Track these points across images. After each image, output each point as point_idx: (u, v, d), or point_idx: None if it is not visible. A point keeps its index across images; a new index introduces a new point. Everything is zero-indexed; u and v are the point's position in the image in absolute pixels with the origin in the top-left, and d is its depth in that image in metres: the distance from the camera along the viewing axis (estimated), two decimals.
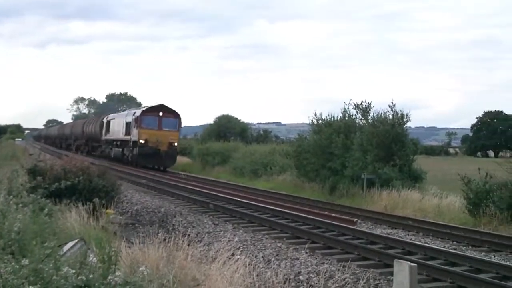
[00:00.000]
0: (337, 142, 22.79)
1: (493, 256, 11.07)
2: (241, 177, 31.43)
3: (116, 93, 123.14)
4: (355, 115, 24.16)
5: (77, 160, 15.50)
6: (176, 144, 34.45)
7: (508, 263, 10.08)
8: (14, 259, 4.38)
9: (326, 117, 25.28)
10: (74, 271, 4.09)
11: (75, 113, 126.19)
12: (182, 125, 39.24)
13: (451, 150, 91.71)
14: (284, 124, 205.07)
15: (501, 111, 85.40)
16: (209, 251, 8.80)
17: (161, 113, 34.36)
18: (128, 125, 36.13)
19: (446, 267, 9.35)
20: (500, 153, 77.53)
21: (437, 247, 11.27)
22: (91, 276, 4.05)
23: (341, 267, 9.19)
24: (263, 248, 10.92)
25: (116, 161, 37.37)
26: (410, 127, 23.70)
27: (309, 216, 14.82)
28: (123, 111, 57.20)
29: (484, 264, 9.66)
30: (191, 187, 22.45)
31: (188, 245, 7.71)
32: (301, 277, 8.86)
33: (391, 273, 7.40)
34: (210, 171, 35.80)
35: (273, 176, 28.84)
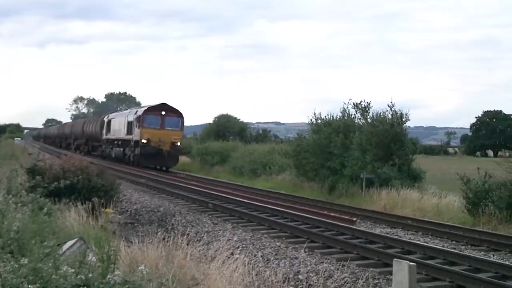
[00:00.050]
0: (336, 142, 22.79)
1: (492, 256, 11.07)
2: (240, 176, 31.42)
3: (115, 93, 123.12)
4: (354, 114, 24.20)
5: (76, 159, 15.48)
6: (179, 144, 33.96)
7: (507, 263, 10.08)
8: (13, 258, 4.38)
9: (325, 116, 25.32)
10: (73, 270, 4.08)
11: (74, 112, 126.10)
12: None
13: (450, 150, 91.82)
14: (283, 124, 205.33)
15: (500, 111, 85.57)
16: (208, 250, 8.79)
17: (163, 112, 33.75)
18: (129, 124, 35.56)
19: (445, 266, 9.35)
20: (499, 153, 77.66)
21: (436, 247, 11.28)
22: (90, 275, 4.05)
23: (340, 266, 9.19)
24: (262, 248, 10.92)
25: (117, 161, 37.08)
26: (409, 126, 23.68)
27: (308, 216, 14.82)
28: (123, 110, 57.03)
29: (483, 263, 9.66)
30: (190, 187, 22.44)
31: (187, 244, 7.70)
32: (300, 276, 8.86)
33: (390, 273, 7.40)
34: (209, 171, 35.73)
35: (272, 175, 28.83)
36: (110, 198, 13.60)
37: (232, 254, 7.94)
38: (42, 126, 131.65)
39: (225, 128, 50.16)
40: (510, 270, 9.18)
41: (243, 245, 11.05)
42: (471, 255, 10.58)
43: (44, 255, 4.22)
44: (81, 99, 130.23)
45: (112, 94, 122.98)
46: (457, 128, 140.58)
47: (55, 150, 54.99)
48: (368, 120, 23.25)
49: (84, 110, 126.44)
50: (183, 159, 41.64)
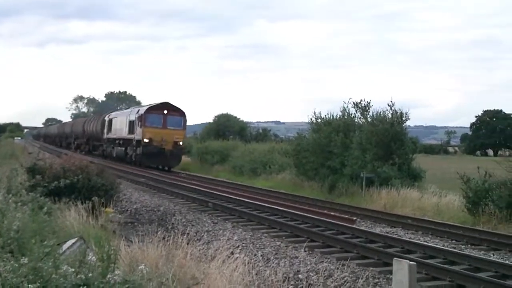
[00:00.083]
0: (336, 141, 22.78)
1: (492, 255, 11.08)
2: (240, 175, 31.41)
3: (115, 92, 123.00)
4: (355, 114, 24.20)
5: (76, 158, 15.48)
6: (181, 143, 33.64)
7: (507, 262, 10.08)
8: (13, 257, 4.37)
9: (325, 115, 25.32)
10: (73, 269, 4.08)
11: (74, 111, 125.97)
12: None
13: (450, 149, 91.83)
14: (283, 123, 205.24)
15: (500, 110, 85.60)
16: (208, 249, 8.79)
17: (166, 111, 33.34)
18: (131, 123, 35.20)
19: (445, 265, 9.35)
20: (499, 152, 77.72)
21: (436, 246, 11.28)
22: (90, 274, 4.05)
23: (340, 265, 9.19)
24: (262, 247, 10.92)
25: (118, 160, 36.88)
26: (409, 125, 23.69)
27: (308, 215, 14.82)
28: (123, 109, 56.85)
29: (483, 262, 9.67)
30: (190, 186, 22.44)
31: (187, 243, 7.70)
32: (300, 276, 8.86)
33: (390, 272, 7.40)
34: (209, 170, 35.69)
35: (272, 174, 28.83)
36: (110, 197, 13.60)
37: (232, 253, 7.95)
38: (42, 126, 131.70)
39: (225, 127, 50.11)
40: (510, 270, 9.18)
41: (243, 245, 11.06)
42: (471, 254, 10.58)
43: (44, 255, 4.22)
44: (81, 98, 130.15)
45: (112, 93, 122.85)
46: (457, 127, 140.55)
47: (55, 149, 54.95)
48: (368, 119, 23.26)
49: (84, 110, 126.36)
50: (183, 158, 41.64)
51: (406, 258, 7.98)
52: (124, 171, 28.63)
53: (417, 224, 14.52)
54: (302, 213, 15.15)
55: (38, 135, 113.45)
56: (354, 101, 23.88)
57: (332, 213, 15.53)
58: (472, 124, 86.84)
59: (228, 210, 15.89)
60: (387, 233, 13.06)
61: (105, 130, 42.23)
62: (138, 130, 33.50)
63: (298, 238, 11.93)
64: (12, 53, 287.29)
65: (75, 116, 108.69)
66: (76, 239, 6.94)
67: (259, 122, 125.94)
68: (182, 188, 21.70)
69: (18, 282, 3.72)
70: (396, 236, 12.42)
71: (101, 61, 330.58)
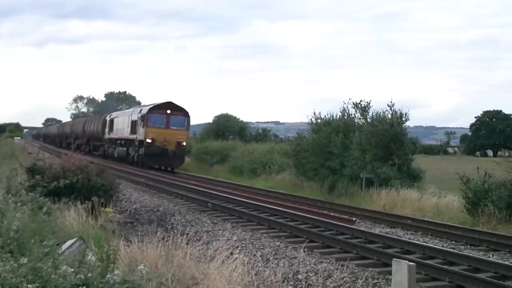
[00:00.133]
0: (336, 141, 22.79)
1: (491, 255, 11.08)
2: (240, 176, 31.41)
3: (115, 92, 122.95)
4: (354, 114, 24.22)
5: (76, 158, 15.48)
6: (184, 143, 33.06)
7: (506, 262, 10.09)
8: (12, 257, 4.37)
9: (325, 116, 25.34)
10: (72, 269, 4.08)
11: (74, 111, 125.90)
12: None
13: (450, 150, 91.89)
14: (283, 123, 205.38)
15: (500, 111, 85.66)
16: (208, 250, 8.78)
17: (168, 111, 32.79)
18: (133, 123, 34.67)
19: (444, 266, 9.36)
20: (499, 153, 77.73)
21: (436, 246, 11.28)
22: (89, 274, 4.04)
23: (340, 266, 9.17)
24: (262, 247, 10.92)
25: (120, 161, 36.59)
26: (409, 126, 23.70)
27: (307, 215, 14.82)
28: (124, 109, 56.66)
29: (482, 263, 9.67)
30: (189, 186, 22.44)
31: (187, 244, 7.70)
32: (299, 276, 8.86)
33: (390, 272, 7.40)
34: (208, 170, 35.67)
35: (272, 175, 28.83)
36: (110, 197, 13.60)
37: (231, 253, 7.94)
38: (41, 126, 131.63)
39: (225, 127, 50.12)
40: (509, 270, 9.19)
41: (243, 245, 11.06)
42: (471, 255, 10.59)
43: (44, 255, 4.21)
44: (80, 98, 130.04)
45: (112, 93, 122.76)
46: (456, 128, 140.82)
47: (55, 149, 54.93)
48: (368, 119, 23.27)
49: (84, 110, 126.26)
50: None
51: (405, 259, 8.00)
52: (124, 171, 28.62)
53: (416, 224, 14.53)
54: (302, 214, 15.15)
55: (37, 135, 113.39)
56: (354, 102, 23.93)
57: (331, 214, 15.54)
58: (472, 125, 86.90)
59: (228, 211, 15.89)
60: (387, 233, 13.07)
61: (106, 130, 41.74)
62: (141, 130, 33.06)
63: (297, 238, 11.93)
64: (11, 53, 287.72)
65: (74, 116, 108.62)
66: (75, 239, 6.94)
67: (259, 122, 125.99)
68: (182, 188, 21.70)
69: (17, 282, 3.72)
70: (395, 237, 12.42)
71: (100, 61, 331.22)
